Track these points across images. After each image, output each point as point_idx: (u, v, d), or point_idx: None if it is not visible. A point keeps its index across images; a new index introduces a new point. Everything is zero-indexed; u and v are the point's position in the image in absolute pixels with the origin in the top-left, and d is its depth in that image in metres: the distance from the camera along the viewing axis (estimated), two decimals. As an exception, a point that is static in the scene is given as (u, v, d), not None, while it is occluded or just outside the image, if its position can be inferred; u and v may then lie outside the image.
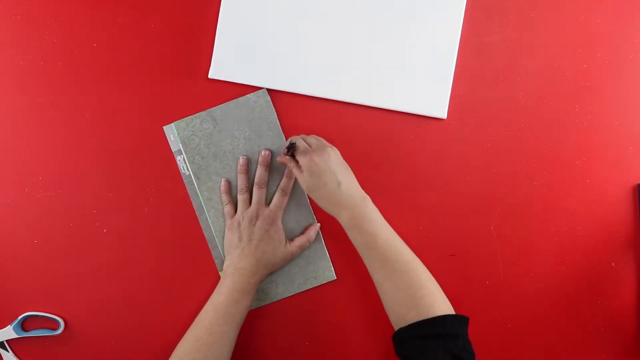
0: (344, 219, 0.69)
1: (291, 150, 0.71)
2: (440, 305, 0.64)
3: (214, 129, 0.77)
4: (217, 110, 0.77)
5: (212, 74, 0.76)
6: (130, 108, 0.77)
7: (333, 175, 0.68)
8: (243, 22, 0.76)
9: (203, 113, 0.77)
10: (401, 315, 0.64)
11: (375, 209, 0.70)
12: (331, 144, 0.78)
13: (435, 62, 0.77)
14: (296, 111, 0.77)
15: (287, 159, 0.72)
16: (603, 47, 0.78)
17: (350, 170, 0.72)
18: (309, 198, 0.78)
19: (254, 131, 0.77)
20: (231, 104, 0.77)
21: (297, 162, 0.72)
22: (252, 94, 0.77)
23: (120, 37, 0.77)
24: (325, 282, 0.78)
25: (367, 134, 0.78)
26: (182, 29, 0.77)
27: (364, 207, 0.69)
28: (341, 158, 0.72)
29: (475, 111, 0.78)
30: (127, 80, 0.77)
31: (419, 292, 0.64)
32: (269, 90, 0.77)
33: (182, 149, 0.77)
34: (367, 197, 0.71)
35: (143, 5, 0.77)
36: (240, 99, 0.77)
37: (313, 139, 0.73)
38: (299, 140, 0.71)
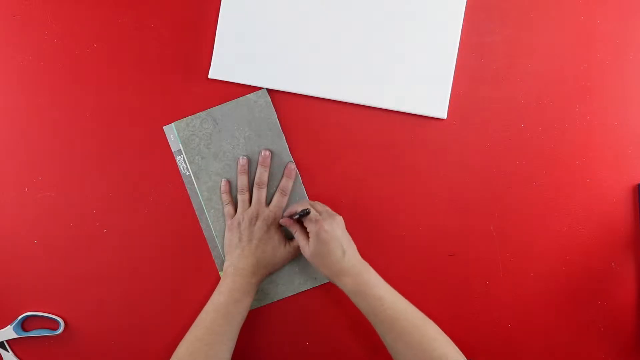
0: (347, 286, 0.69)
1: (300, 216, 0.71)
2: (454, 355, 0.65)
3: (214, 129, 0.77)
4: (217, 110, 0.77)
5: (212, 74, 0.76)
6: (130, 108, 0.77)
7: (339, 243, 0.69)
8: (243, 22, 0.76)
9: (203, 113, 0.77)
10: None
11: (376, 273, 0.71)
12: (331, 144, 0.78)
13: (435, 62, 0.77)
14: (296, 111, 0.78)
15: (290, 222, 0.73)
16: (603, 47, 0.78)
17: (351, 239, 0.73)
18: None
19: (254, 131, 0.77)
20: (231, 104, 0.77)
21: (300, 226, 0.73)
22: (252, 94, 0.77)
23: (120, 37, 0.77)
24: (325, 282, 0.78)
25: (367, 134, 0.78)
26: (182, 29, 0.77)
27: (367, 273, 0.70)
28: (344, 226, 0.73)
29: (475, 111, 0.78)
30: (127, 80, 0.77)
31: (431, 345, 0.65)
32: (269, 90, 0.77)
33: (182, 149, 0.77)
34: (367, 263, 0.71)
35: (143, 5, 0.77)
36: (240, 99, 0.77)
37: (319, 206, 0.74)
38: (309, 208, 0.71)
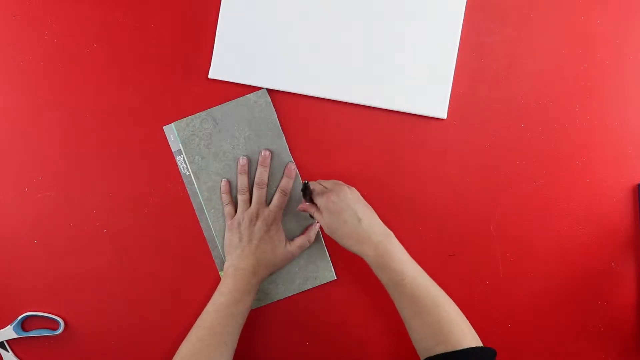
0: (370, 257, 0.68)
1: (307, 194, 0.72)
2: (469, 338, 0.64)
3: (214, 129, 0.77)
4: (217, 110, 0.77)
5: (212, 74, 0.76)
6: (130, 108, 0.77)
7: (352, 211, 0.69)
8: (243, 22, 0.76)
9: (203, 113, 0.77)
10: (429, 348, 0.64)
11: (400, 245, 0.70)
12: (331, 144, 0.78)
13: (435, 62, 0.77)
14: (296, 111, 0.78)
15: (307, 205, 0.74)
16: (603, 47, 0.78)
17: (371, 208, 0.72)
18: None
19: (254, 131, 0.77)
20: (231, 104, 0.77)
21: (316, 207, 0.72)
22: (252, 94, 0.77)
23: (120, 37, 0.77)
24: (325, 282, 0.78)
25: (367, 134, 0.78)
26: (182, 29, 0.77)
27: (389, 243, 0.69)
28: (360, 196, 0.72)
29: (475, 111, 0.78)
30: (127, 80, 0.77)
31: (447, 327, 0.64)
32: (269, 90, 0.77)
33: (182, 149, 0.77)
34: (391, 233, 0.70)
35: (143, 5, 0.77)
36: (240, 99, 0.77)
37: (329, 182, 0.73)
38: (314, 184, 0.72)
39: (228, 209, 0.76)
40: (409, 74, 0.77)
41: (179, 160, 0.77)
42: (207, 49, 0.77)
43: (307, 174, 0.78)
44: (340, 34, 0.77)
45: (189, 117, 0.77)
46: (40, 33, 0.77)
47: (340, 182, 0.74)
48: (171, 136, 0.77)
